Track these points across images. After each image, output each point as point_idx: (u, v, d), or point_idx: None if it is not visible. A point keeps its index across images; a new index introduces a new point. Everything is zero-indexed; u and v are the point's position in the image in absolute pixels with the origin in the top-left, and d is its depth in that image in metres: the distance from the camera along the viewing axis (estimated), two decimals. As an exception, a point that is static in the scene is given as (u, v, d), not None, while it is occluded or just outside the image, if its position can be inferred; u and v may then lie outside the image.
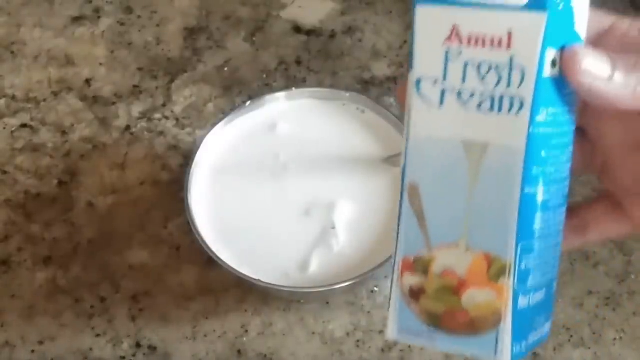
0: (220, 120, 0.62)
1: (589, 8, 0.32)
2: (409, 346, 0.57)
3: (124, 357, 0.57)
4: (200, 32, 0.75)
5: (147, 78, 0.72)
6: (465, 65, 0.31)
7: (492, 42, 0.31)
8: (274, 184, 0.59)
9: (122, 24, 0.76)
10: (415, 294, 0.34)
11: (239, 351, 0.57)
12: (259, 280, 0.54)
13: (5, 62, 0.73)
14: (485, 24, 0.31)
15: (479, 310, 0.32)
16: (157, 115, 0.69)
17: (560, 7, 0.30)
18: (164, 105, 0.70)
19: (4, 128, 0.69)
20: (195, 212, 0.57)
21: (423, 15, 0.32)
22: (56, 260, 0.61)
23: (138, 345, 0.57)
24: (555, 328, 0.57)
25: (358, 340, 0.57)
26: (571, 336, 0.57)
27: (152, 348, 0.57)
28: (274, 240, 0.57)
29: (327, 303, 0.59)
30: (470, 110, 0.32)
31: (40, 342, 0.58)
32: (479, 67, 0.31)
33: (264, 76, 0.71)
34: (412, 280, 0.34)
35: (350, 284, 0.54)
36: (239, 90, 0.70)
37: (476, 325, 0.33)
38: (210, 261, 0.57)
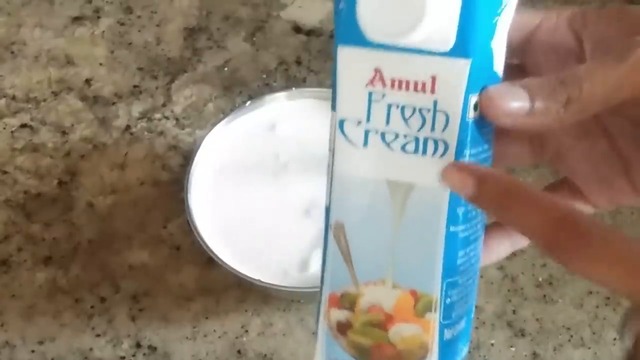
0: (220, 120, 0.61)
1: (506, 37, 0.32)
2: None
3: (124, 357, 0.57)
4: (200, 32, 0.75)
5: (147, 78, 0.72)
6: (389, 108, 0.31)
7: (415, 86, 0.30)
8: (274, 184, 0.59)
9: (122, 24, 0.76)
10: (342, 328, 0.34)
11: (239, 351, 0.57)
12: (259, 280, 0.54)
13: (5, 62, 0.73)
14: (408, 69, 0.30)
15: (406, 344, 0.33)
16: (157, 115, 0.69)
17: (482, 51, 0.30)
18: (164, 105, 0.70)
19: (4, 128, 0.69)
20: (195, 212, 0.57)
21: (345, 56, 0.31)
22: (56, 260, 0.61)
23: (138, 345, 0.57)
24: (555, 328, 0.57)
25: (358, 340, 0.57)
26: (571, 336, 0.57)
27: (152, 348, 0.57)
28: (273, 240, 0.57)
29: (327, 303, 0.59)
30: (394, 151, 0.31)
31: (40, 342, 0.58)
32: (402, 109, 0.31)
33: (264, 76, 0.71)
34: (339, 315, 0.34)
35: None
36: (239, 90, 0.70)
37: (403, 358, 0.33)
38: (210, 261, 0.57)
